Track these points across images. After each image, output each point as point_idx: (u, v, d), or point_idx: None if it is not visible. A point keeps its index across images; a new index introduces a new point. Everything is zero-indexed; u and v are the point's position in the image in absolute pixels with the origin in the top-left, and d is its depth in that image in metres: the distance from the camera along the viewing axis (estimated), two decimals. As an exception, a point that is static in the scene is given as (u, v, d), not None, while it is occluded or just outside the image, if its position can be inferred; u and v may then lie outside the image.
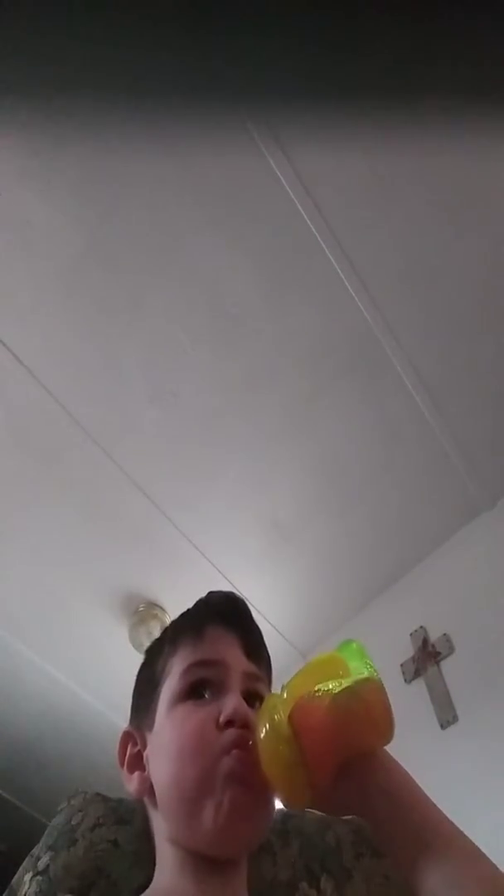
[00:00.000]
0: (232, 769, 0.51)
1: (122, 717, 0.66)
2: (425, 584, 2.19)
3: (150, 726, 0.59)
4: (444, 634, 1.98)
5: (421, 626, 2.06)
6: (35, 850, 0.67)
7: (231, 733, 0.52)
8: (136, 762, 0.59)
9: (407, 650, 2.05)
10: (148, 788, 0.57)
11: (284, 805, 0.52)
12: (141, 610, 2.31)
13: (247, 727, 0.53)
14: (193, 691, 0.57)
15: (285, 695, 0.51)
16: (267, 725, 0.50)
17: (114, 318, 1.74)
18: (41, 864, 0.64)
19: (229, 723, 0.53)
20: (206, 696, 0.56)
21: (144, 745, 0.59)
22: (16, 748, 2.79)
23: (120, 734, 0.62)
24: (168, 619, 2.28)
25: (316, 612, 2.37)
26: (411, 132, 1.29)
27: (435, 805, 0.50)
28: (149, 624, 2.27)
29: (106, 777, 0.63)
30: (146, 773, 0.57)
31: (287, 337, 1.79)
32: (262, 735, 0.50)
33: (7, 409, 1.88)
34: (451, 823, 0.48)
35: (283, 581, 2.31)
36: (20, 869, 0.66)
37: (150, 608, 2.32)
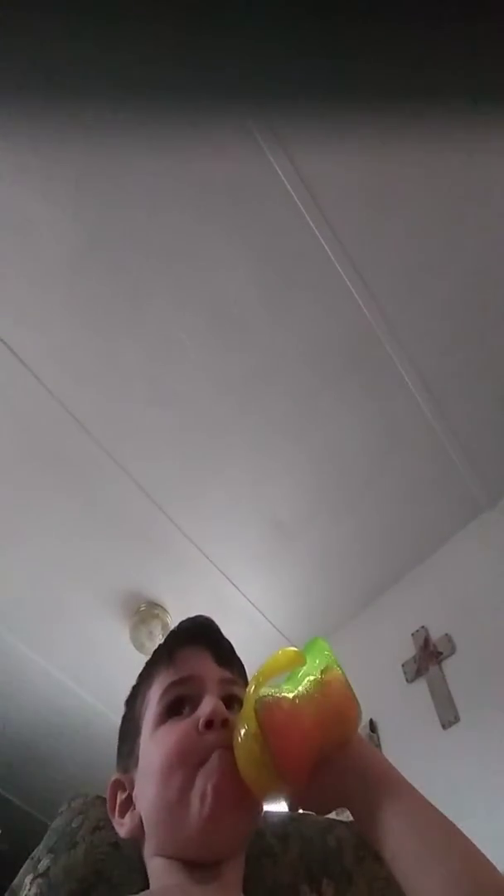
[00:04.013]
0: (214, 765, 0.52)
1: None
2: (427, 583, 2.19)
3: (136, 763, 0.60)
4: (446, 634, 1.98)
5: (422, 626, 2.06)
6: (35, 853, 0.67)
7: (210, 735, 0.54)
8: (126, 806, 0.60)
9: (408, 650, 2.05)
10: (138, 825, 0.57)
11: (260, 798, 0.53)
12: (142, 610, 2.31)
13: (226, 726, 0.54)
14: (172, 710, 0.58)
15: (252, 689, 0.52)
16: (238, 726, 0.52)
17: (114, 317, 1.74)
18: (41, 867, 0.64)
19: (208, 724, 0.54)
20: (185, 711, 0.58)
21: (132, 786, 0.60)
22: (17, 748, 2.79)
23: (109, 783, 0.62)
24: (169, 619, 2.28)
25: (317, 611, 2.36)
26: (412, 132, 1.29)
27: (407, 781, 0.52)
28: (150, 624, 2.27)
29: (106, 778, 0.63)
30: (136, 811, 0.58)
31: (288, 336, 1.78)
32: (235, 736, 0.52)
33: (7, 407, 1.88)
34: (423, 797, 0.51)
35: (284, 580, 2.31)
36: (21, 871, 0.66)
37: (152, 608, 2.32)
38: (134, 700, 0.64)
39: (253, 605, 2.33)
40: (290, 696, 0.51)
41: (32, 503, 2.07)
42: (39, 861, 0.65)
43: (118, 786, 0.61)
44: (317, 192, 1.56)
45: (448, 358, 1.84)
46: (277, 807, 0.56)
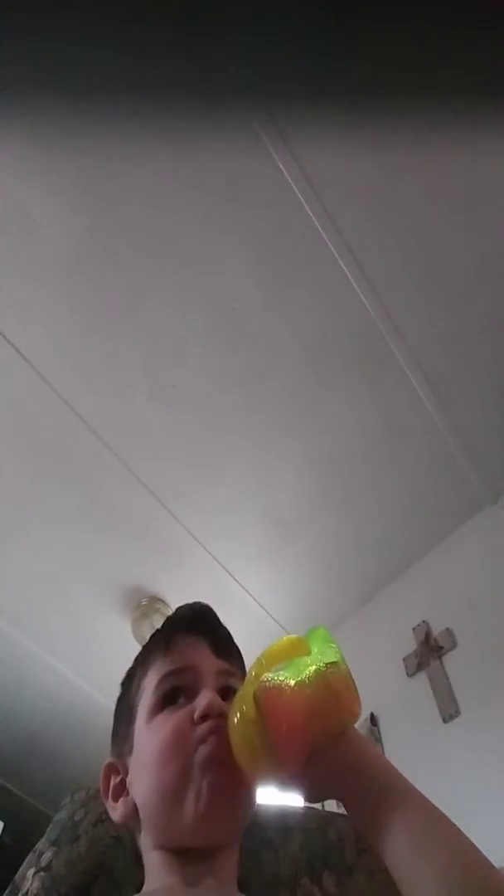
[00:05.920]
0: (208, 755, 0.52)
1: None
2: (428, 578, 2.19)
3: (130, 750, 0.59)
4: (447, 629, 1.98)
5: (424, 621, 2.06)
6: (38, 846, 0.67)
7: (205, 725, 0.54)
8: (120, 790, 0.60)
9: (409, 644, 2.05)
10: (132, 811, 0.57)
11: (252, 781, 0.52)
12: (143, 604, 2.32)
13: (222, 717, 0.54)
14: (168, 700, 0.58)
15: (253, 672, 0.52)
16: (235, 709, 0.52)
17: (115, 312, 1.73)
18: (44, 860, 0.64)
19: (204, 717, 0.54)
20: (181, 701, 0.57)
21: (126, 772, 0.59)
22: (20, 741, 2.80)
23: (102, 766, 0.62)
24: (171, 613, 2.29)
25: (319, 606, 2.37)
26: (414, 129, 1.28)
27: (401, 774, 0.51)
28: (151, 618, 2.28)
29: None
30: (129, 797, 0.58)
31: (290, 331, 1.78)
32: (231, 718, 0.52)
33: (8, 402, 1.88)
34: (416, 789, 0.49)
35: (286, 575, 2.31)
36: (23, 864, 0.66)
37: (153, 602, 2.32)
38: (130, 683, 0.64)
39: (255, 599, 2.33)
40: (293, 682, 0.51)
41: (35, 499, 2.08)
42: (42, 854, 0.65)
43: (112, 769, 0.61)
44: (320, 189, 1.55)
45: (450, 353, 1.84)
46: (272, 795, 0.56)
